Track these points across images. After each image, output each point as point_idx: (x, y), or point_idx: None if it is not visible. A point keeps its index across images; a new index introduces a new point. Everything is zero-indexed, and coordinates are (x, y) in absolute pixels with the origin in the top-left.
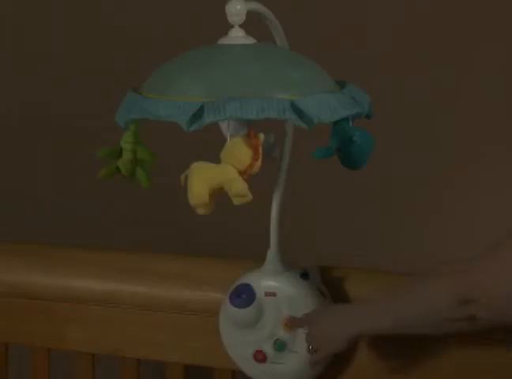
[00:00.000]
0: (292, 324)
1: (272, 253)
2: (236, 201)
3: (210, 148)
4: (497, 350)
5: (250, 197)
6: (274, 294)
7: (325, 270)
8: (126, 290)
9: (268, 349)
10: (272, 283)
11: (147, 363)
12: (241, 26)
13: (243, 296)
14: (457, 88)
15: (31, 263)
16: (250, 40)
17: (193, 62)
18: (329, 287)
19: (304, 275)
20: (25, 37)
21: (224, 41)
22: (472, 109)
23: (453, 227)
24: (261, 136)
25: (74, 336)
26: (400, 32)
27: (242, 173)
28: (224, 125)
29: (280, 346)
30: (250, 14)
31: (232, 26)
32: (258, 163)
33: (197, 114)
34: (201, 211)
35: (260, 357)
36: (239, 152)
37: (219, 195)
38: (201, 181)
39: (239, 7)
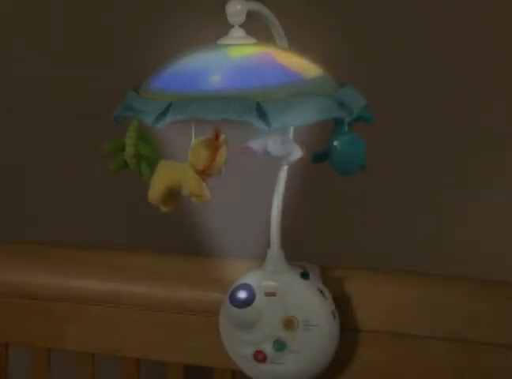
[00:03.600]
0: None
1: (272, 253)
2: (194, 200)
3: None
4: (498, 354)
5: (206, 196)
6: (274, 294)
7: (325, 270)
8: (126, 290)
9: (268, 349)
10: (272, 283)
11: (147, 363)
12: (241, 26)
13: (243, 296)
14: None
15: (31, 263)
16: (250, 40)
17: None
18: (329, 287)
19: (304, 275)
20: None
21: (223, 41)
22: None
23: (454, 227)
24: (223, 137)
25: (74, 336)
26: (401, 32)
27: (200, 172)
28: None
29: (280, 346)
30: (250, 14)
31: (232, 26)
32: (218, 164)
33: (164, 113)
34: (163, 208)
35: (260, 357)
36: (198, 152)
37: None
38: (160, 179)
39: (238, 7)
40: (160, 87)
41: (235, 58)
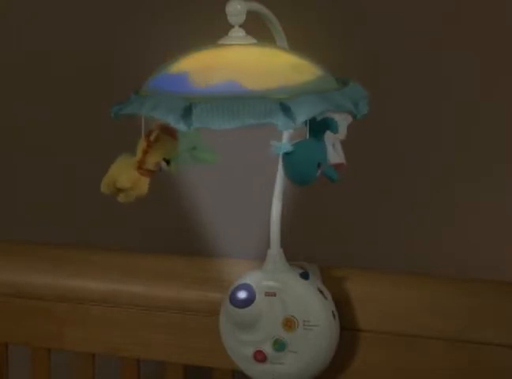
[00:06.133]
0: None
1: (272, 253)
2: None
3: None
4: (498, 354)
5: (136, 189)
6: (274, 294)
7: (325, 270)
8: (126, 290)
9: (268, 349)
10: (272, 283)
11: (147, 363)
12: (241, 26)
13: (243, 296)
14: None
15: (31, 263)
16: (250, 40)
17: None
18: (329, 287)
19: (304, 275)
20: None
21: (224, 41)
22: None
23: (453, 227)
24: (154, 133)
25: (74, 336)
26: (403, 31)
27: (138, 167)
28: None
29: (280, 346)
30: (250, 14)
31: (232, 26)
32: (150, 159)
33: (122, 108)
34: (118, 198)
35: (260, 357)
36: (138, 147)
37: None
38: (109, 172)
39: (239, 7)
40: (156, 87)
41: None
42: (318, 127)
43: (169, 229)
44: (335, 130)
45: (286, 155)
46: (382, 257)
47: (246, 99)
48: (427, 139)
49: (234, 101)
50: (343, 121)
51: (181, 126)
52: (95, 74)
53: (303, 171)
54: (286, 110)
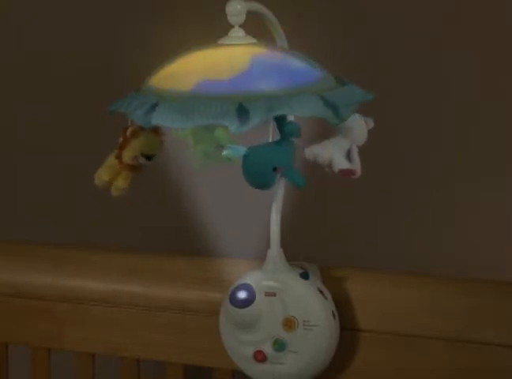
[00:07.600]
0: None
1: (272, 253)
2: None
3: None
4: (498, 354)
5: (117, 184)
6: (274, 294)
7: (324, 270)
8: (126, 290)
9: (268, 349)
10: (272, 283)
11: (147, 363)
12: (241, 26)
13: (243, 296)
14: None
15: (31, 263)
16: (250, 40)
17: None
18: (329, 287)
19: (304, 275)
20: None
21: (224, 41)
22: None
23: (453, 227)
24: (130, 128)
25: (74, 336)
26: (403, 31)
27: (118, 162)
28: None
29: (280, 346)
30: (250, 14)
31: (232, 26)
32: (126, 153)
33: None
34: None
35: (260, 357)
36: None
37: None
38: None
39: (238, 7)
40: (155, 86)
41: None
42: (288, 130)
43: (169, 229)
44: (295, 135)
45: (243, 158)
46: (382, 257)
47: (210, 100)
48: (427, 139)
49: (197, 101)
50: (363, 126)
51: (143, 123)
52: (95, 74)
53: (256, 174)
54: (242, 112)
